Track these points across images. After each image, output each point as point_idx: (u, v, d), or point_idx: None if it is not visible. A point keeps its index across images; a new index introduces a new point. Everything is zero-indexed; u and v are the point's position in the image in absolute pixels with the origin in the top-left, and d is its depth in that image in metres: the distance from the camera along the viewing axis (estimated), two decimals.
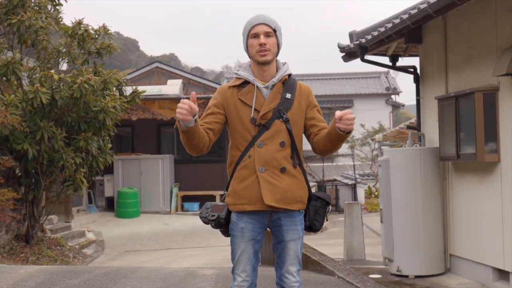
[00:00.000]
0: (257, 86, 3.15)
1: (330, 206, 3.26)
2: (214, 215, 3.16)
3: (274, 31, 3.15)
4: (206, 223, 3.20)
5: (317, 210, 3.18)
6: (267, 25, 3.14)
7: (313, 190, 3.27)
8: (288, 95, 3.15)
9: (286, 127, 3.11)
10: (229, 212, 3.17)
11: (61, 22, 10.10)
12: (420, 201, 6.91)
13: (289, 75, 3.22)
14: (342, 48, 8.35)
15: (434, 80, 7.37)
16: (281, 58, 3.27)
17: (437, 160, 7.00)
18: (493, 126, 6.00)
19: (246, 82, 3.18)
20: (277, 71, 3.21)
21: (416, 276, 6.87)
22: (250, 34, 3.14)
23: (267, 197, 3.04)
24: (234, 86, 3.19)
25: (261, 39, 3.11)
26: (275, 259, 3.22)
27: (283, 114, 3.10)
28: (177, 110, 2.84)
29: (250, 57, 3.20)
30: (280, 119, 3.10)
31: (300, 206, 3.14)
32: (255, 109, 3.11)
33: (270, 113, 3.11)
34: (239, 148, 3.13)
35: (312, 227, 3.19)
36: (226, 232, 3.22)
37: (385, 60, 8.50)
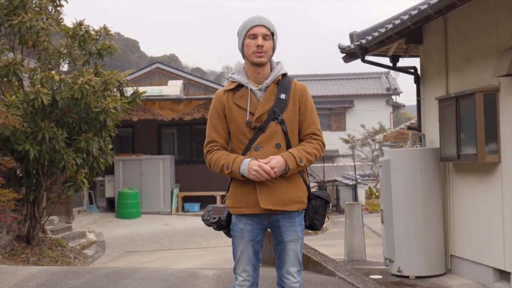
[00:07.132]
0: (250, 89, 3.14)
1: (330, 205, 3.27)
2: (215, 218, 3.19)
3: (272, 34, 3.16)
4: (208, 225, 3.24)
5: (316, 209, 3.19)
6: (266, 27, 3.14)
7: (314, 190, 3.27)
8: (283, 96, 3.13)
9: (282, 129, 3.10)
10: (230, 214, 3.19)
11: (62, 23, 10.10)
12: (420, 201, 6.91)
13: (284, 74, 3.20)
14: (342, 49, 8.36)
15: (434, 81, 7.38)
16: (280, 59, 3.26)
17: (437, 161, 7.00)
18: (494, 126, 6.00)
19: (240, 86, 3.17)
20: (271, 71, 3.20)
21: (417, 277, 6.88)
22: (248, 35, 3.13)
23: (263, 201, 3.06)
24: (229, 90, 3.19)
25: (259, 41, 3.10)
26: (276, 259, 3.23)
27: (278, 116, 3.09)
28: (257, 174, 2.99)
29: (244, 57, 3.19)
30: (275, 121, 3.09)
31: (299, 207, 3.14)
32: (250, 112, 3.10)
33: (265, 115, 3.10)
34: (237, 152, 3.13)
35: (313, 226, 3.20)
36: (229, 233, 3.25)
37: (386, 60, 8.50)
